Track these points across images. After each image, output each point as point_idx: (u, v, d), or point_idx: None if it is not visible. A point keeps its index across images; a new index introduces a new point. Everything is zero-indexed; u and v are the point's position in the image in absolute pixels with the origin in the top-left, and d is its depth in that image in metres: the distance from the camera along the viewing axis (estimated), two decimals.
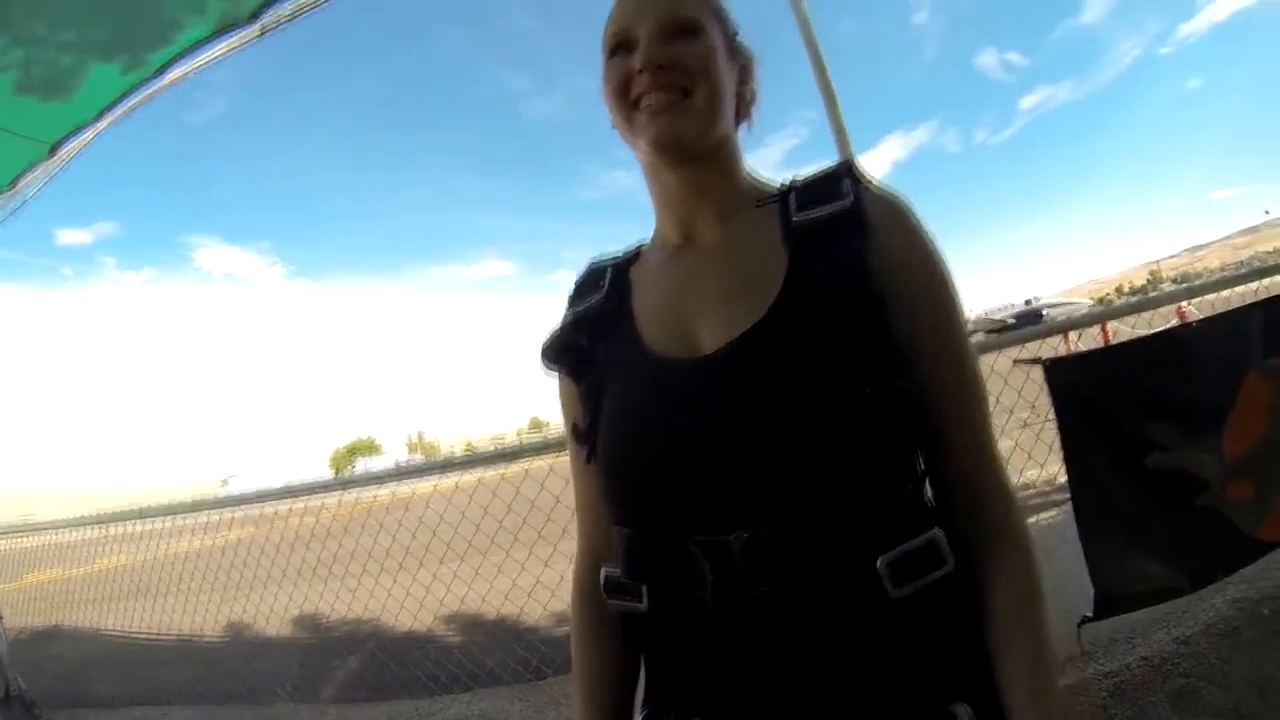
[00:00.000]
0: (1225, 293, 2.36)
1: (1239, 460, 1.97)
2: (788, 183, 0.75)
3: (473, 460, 2.52)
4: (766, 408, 0.59)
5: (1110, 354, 2.07)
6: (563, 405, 0.82)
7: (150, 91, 3.45)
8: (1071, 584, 2.09)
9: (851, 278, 0.63)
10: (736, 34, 0.77)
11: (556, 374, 0.80)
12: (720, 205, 0.74)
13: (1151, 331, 2.11)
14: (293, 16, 2.99)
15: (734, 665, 0.61)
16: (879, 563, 0.57)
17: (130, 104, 3.53)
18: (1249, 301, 2.09)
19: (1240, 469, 1.97)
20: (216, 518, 3.36)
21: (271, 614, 3.89)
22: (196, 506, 3.25)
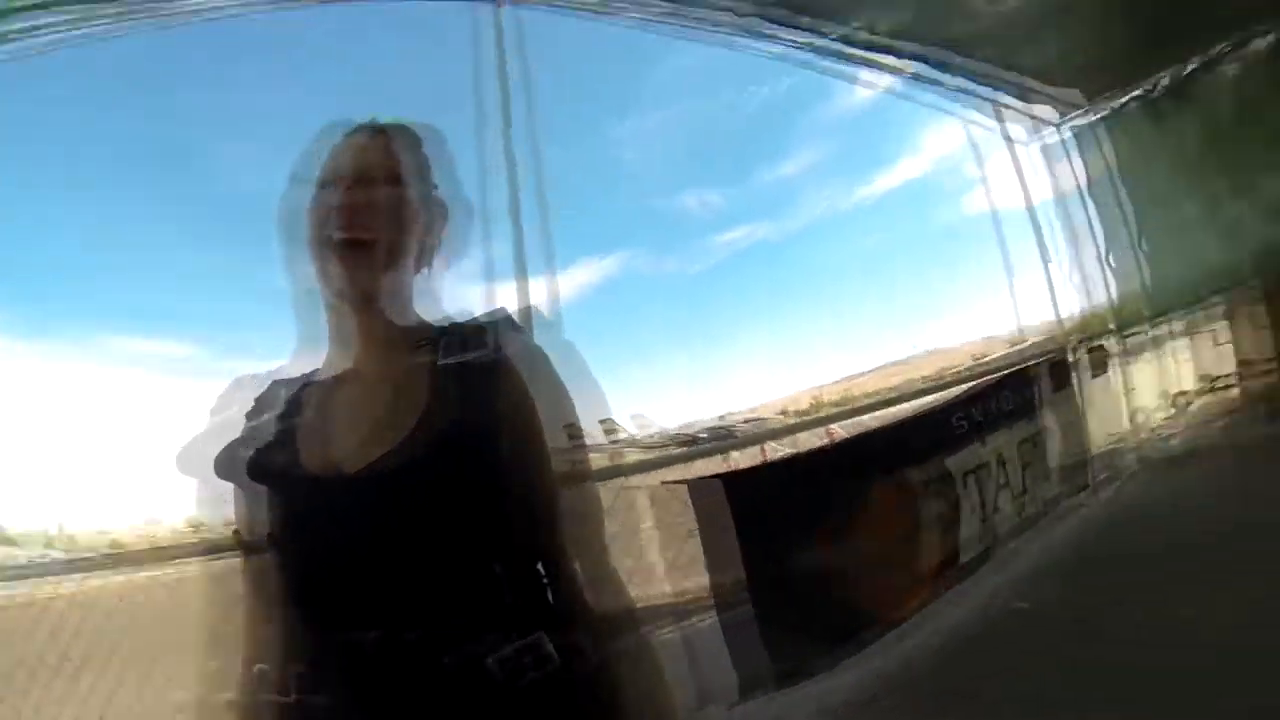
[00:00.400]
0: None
1: (868, 556, 2.32)
2: (446, 326, 0.84)
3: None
4: (388, 524, 0.69)
5: (749, 476, 2.38)
6: (236, 508, 0.84)
7: None
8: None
9: (478, 420, 0.75)
10: (436, 188, 0.86)
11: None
12: (384, 342, 0.82)
13: (790, 453, 2.46)
14: None
15: None
16: (489, 660, 0.67)
17: None
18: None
19: (870, 564, 2.33)
20: None
21: None
22: None
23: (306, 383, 0.86)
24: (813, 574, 2.24)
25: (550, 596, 0.78)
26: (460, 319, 0.86)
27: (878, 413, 2.84)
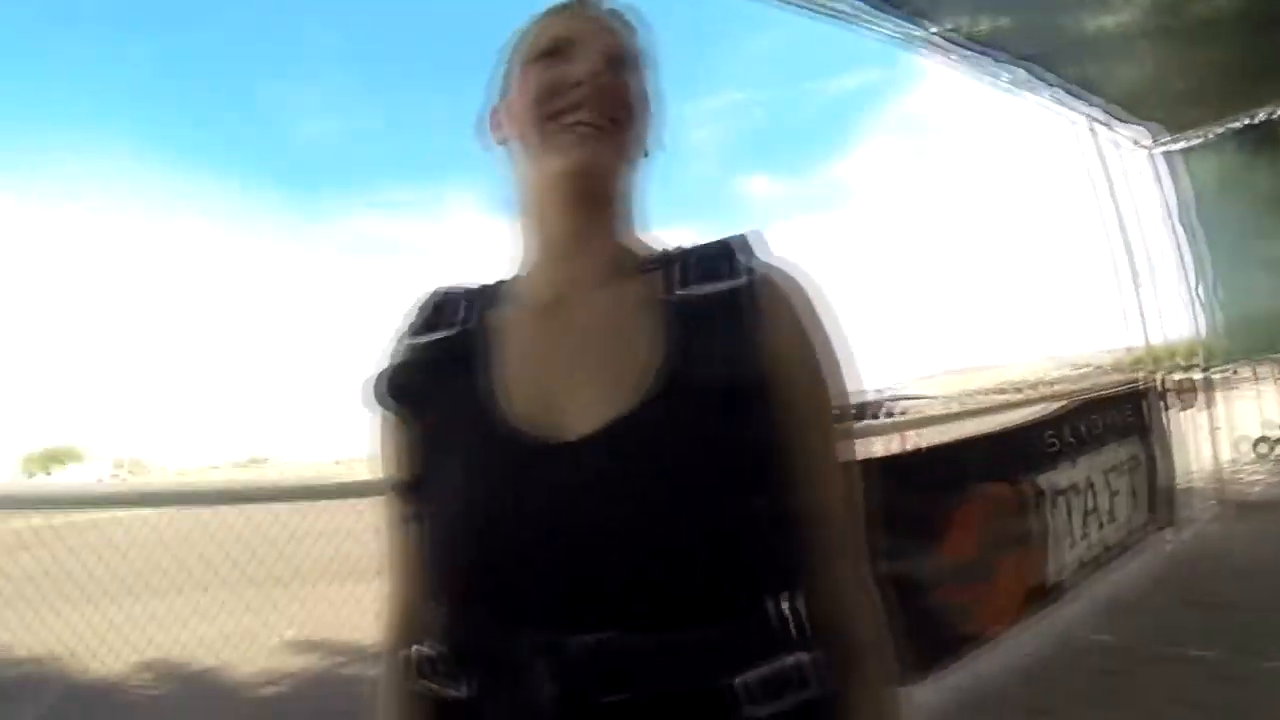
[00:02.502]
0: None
1: (956, 566, 2.24)
2: (676, 250, 0.69)
3: (195, 496, 2.19)
4: (627, 507, 0.54)
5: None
6: (383, 448, 0.71)
7: None
8: None
9: (734, 371, 0.57)
10: (651, 64, 0.72)
11: (382, 411, 0.69)
12: (600, 263, 0.66)
13: (887, 454, 2.39)
14: None
15: None
16: (736, 682, 0.52)
17: None
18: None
19: (958, 574, 2.24)
20: None
21: None
22: None
23: (492, 299, 0.72)
24: (891, 583, 2.16)
25: (813, 609, 0.61)
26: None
27: (956, 423, 2.73)
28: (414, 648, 0.62)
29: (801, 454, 0.61)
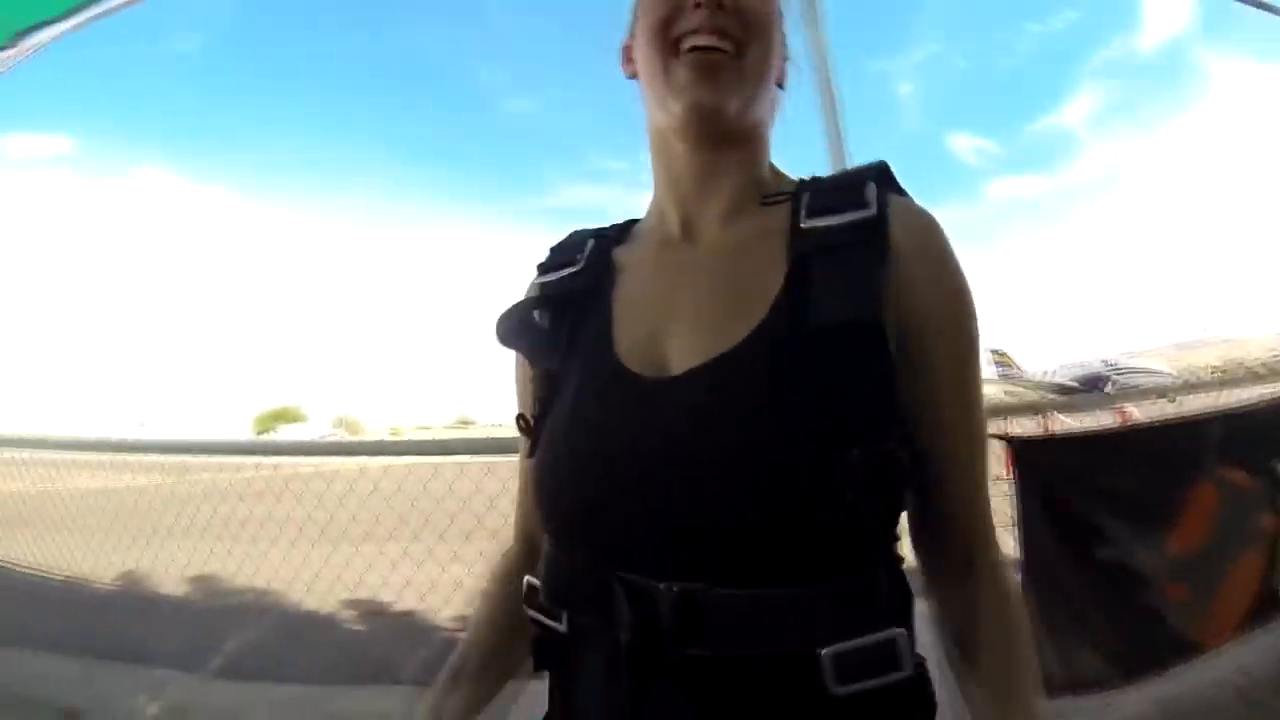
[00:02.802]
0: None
1: (1180, 562, 2.03)
2: (810, 180, 0.65)
3: (411, 447, 2.40)
4: (720, 448, 0.51)
5: (1076, 441, 2.11)
6: (516, 385, 0.73)
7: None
8: None
9: (856, 309, 0.53)
10: (782, 16, 0.67)
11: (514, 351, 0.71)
12: (730, 198, 0.63)
13: (1116, 426, 2.16)
14: None
15: None
16: (822, 653, 0.49)
17: (105, 8, 3.33)
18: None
19: (1181, 571, 2.03)
20: (124, 459, 3.17)
21: (169, 569, 3.69)
22: (104, 445, 3.06)
23: (620, 237, 0.71)
24: (1104, 574, 1.98)
25: (932, 548, 0.62)
26: None
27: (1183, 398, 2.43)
28: (527, 577, 0.63)
29: (932, 400, 0.57)
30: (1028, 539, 1.92)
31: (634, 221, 0.73)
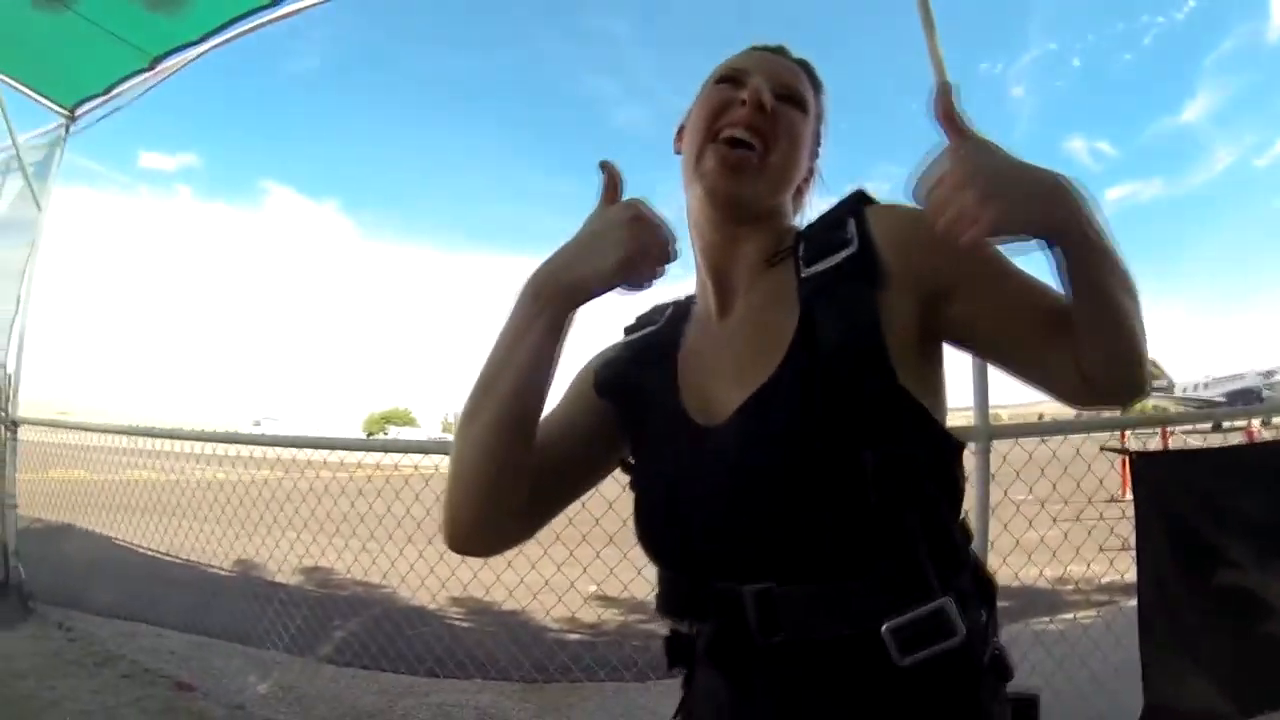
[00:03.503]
0: None
1: None
2: (805, 229, 0.77)
3: None
4: (762, 477, 0.62)
5: (1200, 458, 1.99)
6: (573, 393, 0.83)
7: (258, 23, 3.54)
8: (1114, 684, 2.02)
9: (856, 338, 0.62)
10: (820, 145, 0.82)
11: (582, 386, 0.82)
12: (752, 267, 0.75)
13: (1241, 443, 2.03)
14: None
15: (739, 712, 0.64)
16: (883, 629, 0.58)
17: (235, 31, 3.62)
18: None
19: None
20: (246, 453, 3.40)
21: (284, 559, 3.92)
22: (230, 438, 3.30)
23: (686, 309, 0.83)
24: (1226, 600, 1.85)
25: (959, 557, 0.66)
26: None
27: None
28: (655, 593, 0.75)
29: (998, 322, 0.66)
30: (1144, 560, 1.83)
31: (691, 297, 0.85)
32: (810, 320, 0.65)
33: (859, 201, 0.72)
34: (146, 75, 4.03)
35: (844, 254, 0.67)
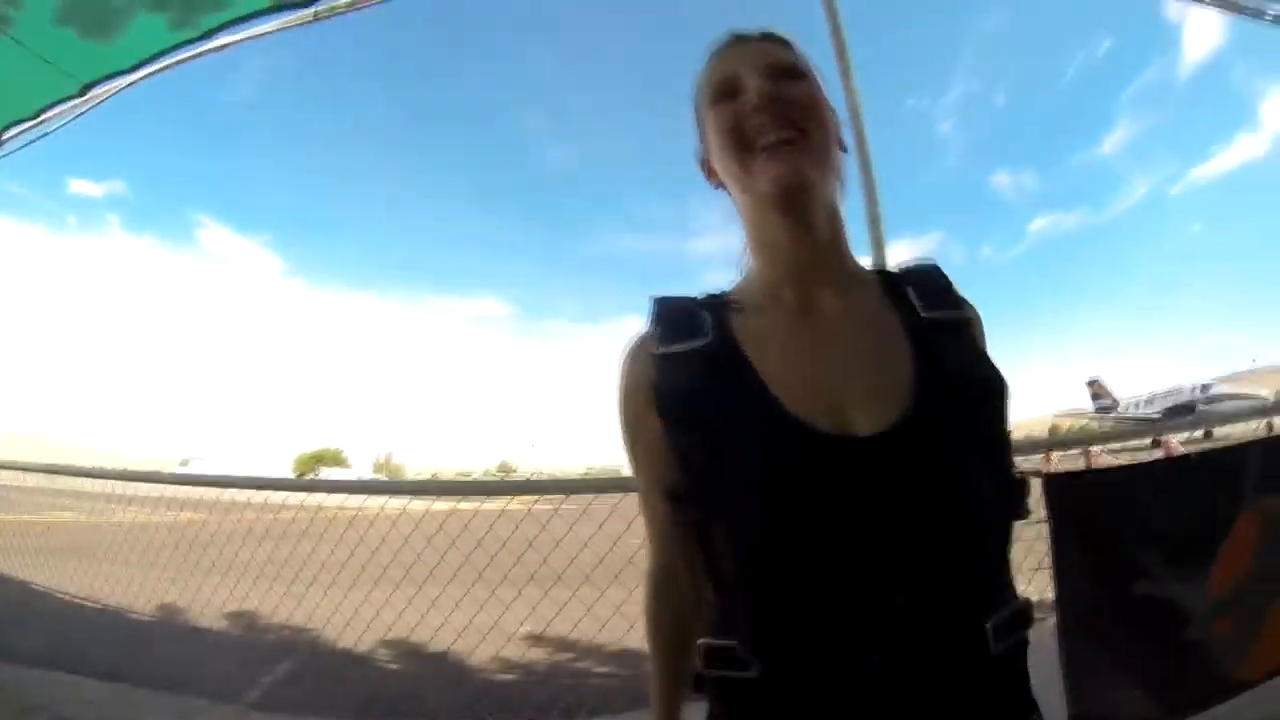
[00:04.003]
0: None
1: (1224, 596, 1.99)
2: (889, 268, 0.81)
3: (450, 488, 2.47)
4: (921, 494, 0.64)
5: (1111, 476, 2.10)
6: (645, 449, 0.76)
7: (191, 54, 3.52)
8: (1039, 697, 2.06)
9: (985, 376, 0.72)
10: (825, 91, 0.79)
11: (644, 418, 0.73)
12: (837, 273, 0.75)
13: (1154, 459, 2.15)
14: (347, 8, 3.07)
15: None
16: (987, 625, 0.64)
17: (169, 61, 3.59)
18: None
19: (1224, 605, 1.99)
20: (170, 494, 3.30)
21: (209, 603, 3.81)
22: (153, 477, 3.20)
23: (725, 305, 0.75)
24: (1144, 611, 1.95)
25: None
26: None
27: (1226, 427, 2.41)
28: (701, 641, 0.70)
29: (1008, 444, 0.74)
30: (1062, 577, 1.90)
31: (725, 293, 0.78)
32: (934, 356, 0.70)
33: (950, 278, 0.80)
34: (77, 101, 3.97)
35: (960, 314, 0.76)
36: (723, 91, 0.74)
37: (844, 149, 0.79)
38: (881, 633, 0.62)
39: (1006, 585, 0.70)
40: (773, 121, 0.70)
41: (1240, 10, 3.12)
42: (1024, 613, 0.69)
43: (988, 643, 0.63)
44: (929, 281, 0.77)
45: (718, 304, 0.76)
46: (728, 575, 0.67)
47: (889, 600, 0.62)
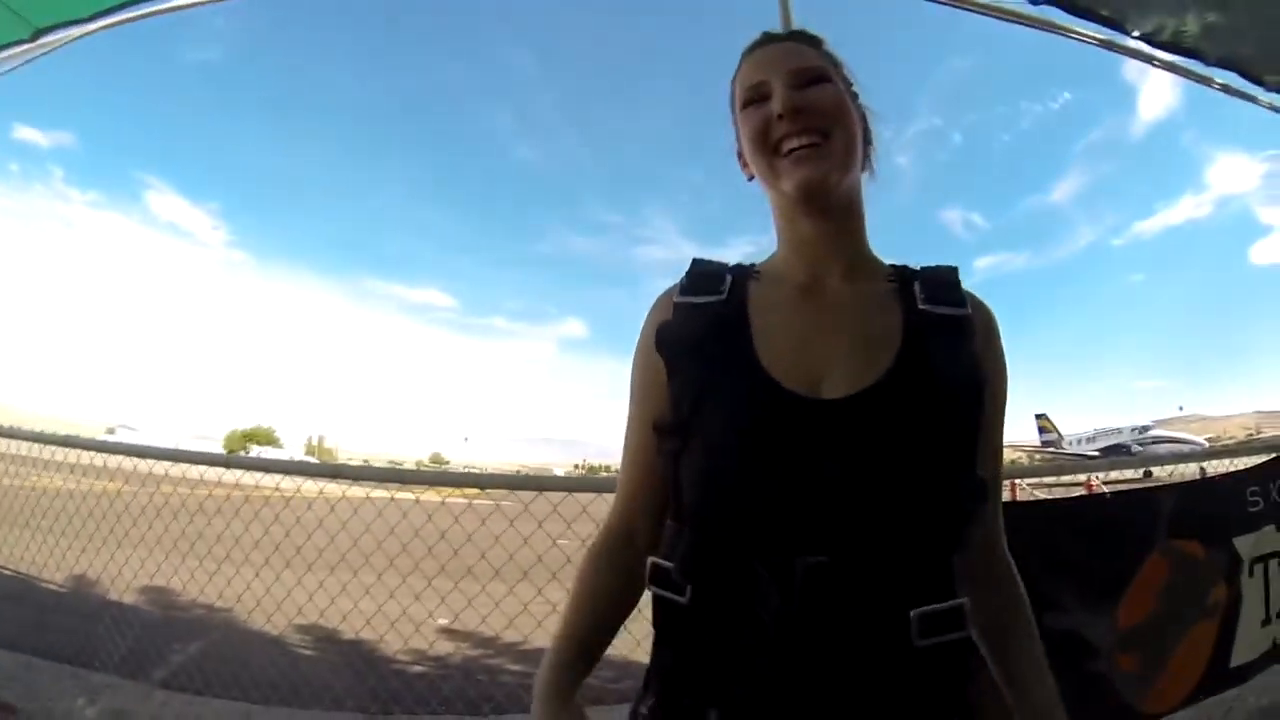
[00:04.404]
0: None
1: (1130, 631, 2.07)
2: (903, 266, 0.86)
3: (380, 474, 2.43)
4: (875, 458, 0.68)
5: (1029, 510, 2.16)
6: (643, 383, 0.85)
7: (150, 11, 3.43)
8: None
9: (968, 375, 0.75)
10: (853, 85, 0.86)
11: (651, 354, 0.83)
12: (849, 262, 0.82)
13: (1069, 496, 2.22)
14: None
15: (772, 677, 0.67)
16: (911, 614, 0.66)
17: (127, 15, 3.49)
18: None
19: (1130, 640, 2.07)
20: (92, 461, 3.17)
21: (120, 576, 3.66)
22: (71, 442, 3.07)
23: (749, 274, 0.85)
24: (1053, 642, 2.00)
25: (978, 564, 0.79)
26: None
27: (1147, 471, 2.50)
28: (650, 559, 0.77)
29: (987, 445, 0.79)
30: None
31: (753, 265, 0.87)
32: (921, 343, 0.75)
33: (958, 276, 0.83)
34: (28, 46, 3.82)
35: (960, 310, 0.79)
36: (750, 98, 0.81)
37: (870, 141, 0.86)
38: (798, 584, 0.65)
39: (945, 581, 0.70)
40: (796, 129, 0.76)
41: (1190, 76, 3.26)
42: (959, 613, 0.70)
43: (909, 630, 0.66)
44: (937, 279, 0.82)
45: (742, 272, 0.85)
46: (686, 502, 0.75)
47: (813, 554, 0.65)
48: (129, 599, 4.10)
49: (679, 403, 0.77)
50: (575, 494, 2.13)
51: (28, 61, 3.93)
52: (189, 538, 3.25)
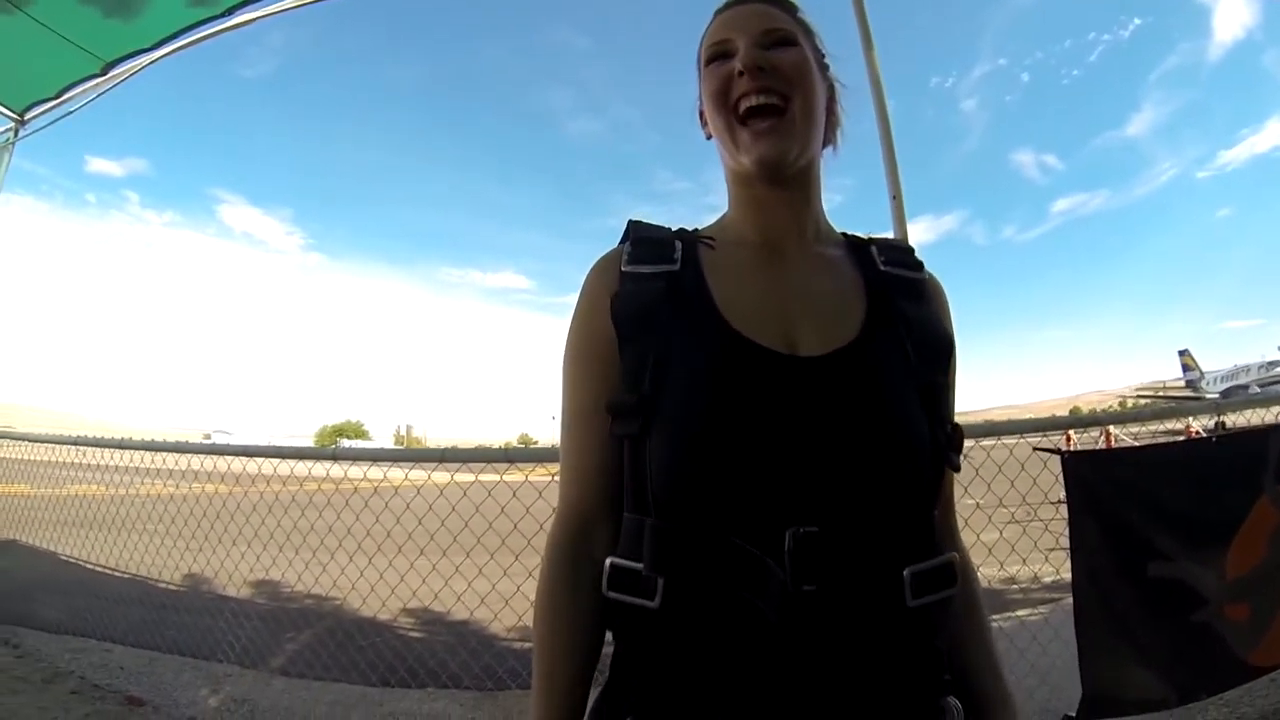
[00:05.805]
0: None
1: (1239, 581, 2.01)
2: (860, 235, 0.87)
3: (474, 455, 2.55)
4: (854, 415, 0.66)
5: (1130, 456, 2.12)
6: (588, 360, 0.77)
7: (212, 31, 3.60)
8: (1056, 677, 2.09)
9: (936, 329, 0.78)
10: (825, 57, 0.84)
11: (598, 329, 0.75)
12: (805, 226, 0.82)
13: (1172, 441, 2.16)
14: None
15: (774, 670, 0.62)
16: (905, 573, 0.65)
17: (190, 39, 3.68)
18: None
19: (1239, 590, 2.01)
20: (196, 465, 3.43)
21: (234, 573, 3.95)
22: (179, 447, 3.31)
23: (695, 238, 0.81)
24: (1159, 591, 1.98)
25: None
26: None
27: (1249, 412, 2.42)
28: (609, 560, 0.70)
29: (949, 407, 0.78)
30: (1078, 556, 1.93)
31: (697, 230, 0.84)
32: (886, 303, 0.76)
33: (915, 252, 0.87)
34: (99, 80, 4.07)
35: (919, 275, 0.82)
36: (713, 54, 0.79)
37: (833, 114, 0.85)
38: (791, 559, 0.61)
39: (931, 536, 0.70)
40: (755, 88, 0.75)
41: None
42: (949, 569, 0.69)
43: (904, 590, 0.64)
44: (892, 247, 0.86)
45: (690, 238, 0.81)
46: (649, 488, 0.68)
47: (805, 524, 0.62)
48: (241, 593, 4.42)
49: (636, 378, 0.70)
50: None
51: (100, 95, 4.18)
52: (296, 529, 3.47)
